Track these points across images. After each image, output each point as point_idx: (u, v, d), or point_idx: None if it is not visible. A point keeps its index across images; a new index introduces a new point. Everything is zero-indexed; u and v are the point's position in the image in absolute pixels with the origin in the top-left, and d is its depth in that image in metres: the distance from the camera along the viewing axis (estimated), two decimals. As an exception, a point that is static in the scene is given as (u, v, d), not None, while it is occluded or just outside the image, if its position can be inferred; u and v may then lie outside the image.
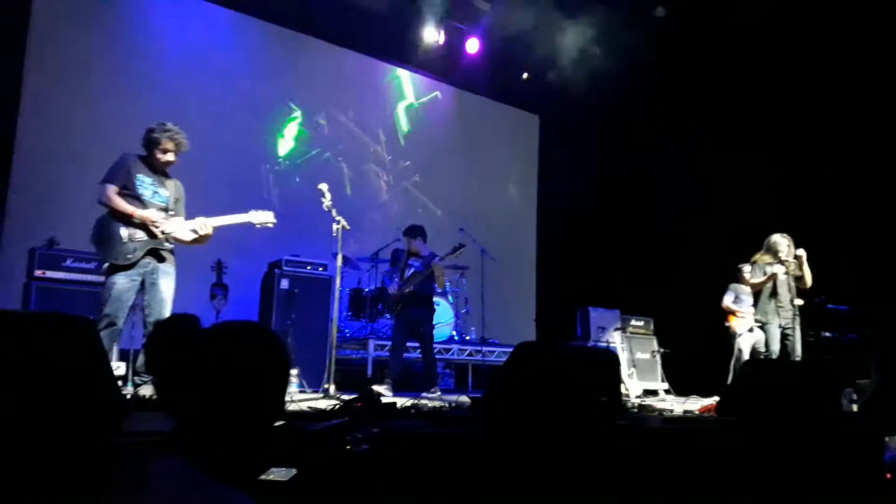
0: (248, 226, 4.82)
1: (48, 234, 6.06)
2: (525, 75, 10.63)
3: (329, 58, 9.47)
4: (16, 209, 6.73)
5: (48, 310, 5.40)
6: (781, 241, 6.64)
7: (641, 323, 9.06)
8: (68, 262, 5.88)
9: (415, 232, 6.89)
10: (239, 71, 8.60)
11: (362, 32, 9.40)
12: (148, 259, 4.45)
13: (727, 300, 7.59)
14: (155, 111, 7.11)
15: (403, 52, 9.89)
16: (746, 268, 7.17)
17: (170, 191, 4.65)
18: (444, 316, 8.14)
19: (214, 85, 8.31)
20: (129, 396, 4.07)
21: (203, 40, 8.38)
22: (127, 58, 7.71)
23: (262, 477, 1.67)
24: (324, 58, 9.41)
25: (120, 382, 4.81)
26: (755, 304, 6.84)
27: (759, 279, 6.68)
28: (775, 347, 6.51)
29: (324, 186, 5.80)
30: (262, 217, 4.83)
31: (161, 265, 4.50)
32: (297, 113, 9.15)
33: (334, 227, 5.90)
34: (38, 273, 5.78)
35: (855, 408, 5.02)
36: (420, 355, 6.69)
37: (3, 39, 6.79)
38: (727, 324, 7.53)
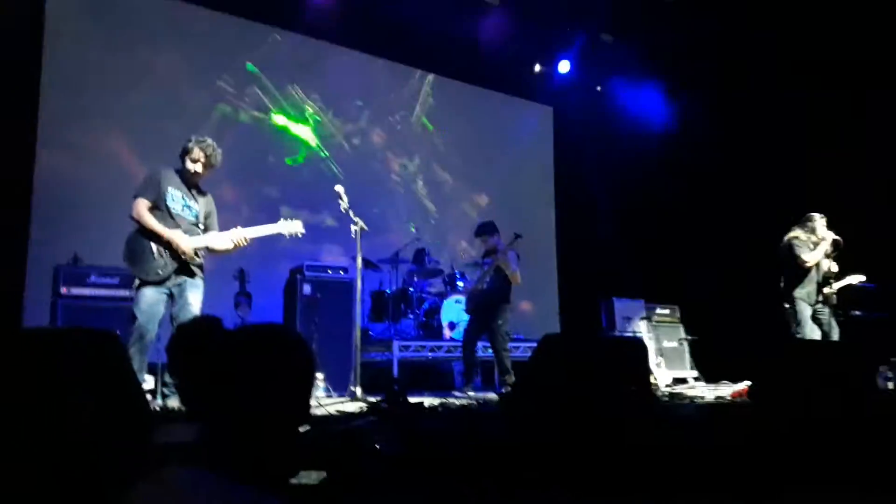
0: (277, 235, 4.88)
1: (71, 252, 6.13)
2: (537, 67, 10.58)
3: (341, 60, 9.45)
4: (39, 228, 6.79)
5: (74, 326, 5.47)
6: (820, 220, 6.49)
7: (667, 311, 8.95)
8: (92, 278, 5.94)
9: (483, 230, 6.85)
10: (255, 76, 8.65)
11: (377, 35, 9.37)
12: (178, 273, 4.51)
13: None
14: (174, 127, 7.22)
15: (417, 52, 9.88)
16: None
17: (201, 205, 4.71)
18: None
19: (233, 94, 8.38)
20: (157, 409, 4.09)
21: (225, 54, 8.47)
22: (146, 76, 7.75)
23: (293, 481, 1.66)
24: (336, 59, 9.41)
25: (149, 396, 4.85)
26: (786, 284, 6.58)
27: (811, 253, 6.37)
28: (807, 329, 6.37)
29: (340, 188, 5.79)
30: (291, 227, 4.90)
31: (190, 279, 4.57)
32: (313, 114, 9.14)
33: (353, 229, 5.89)
34: (63, 290, 5.84)
35: (891, 386, 4.93)
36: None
37: (20, 57, 6.85)
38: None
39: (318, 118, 9.18)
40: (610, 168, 10.71)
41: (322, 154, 9.12)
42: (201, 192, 4.78)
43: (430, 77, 10.28)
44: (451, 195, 10.35)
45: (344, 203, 5.79)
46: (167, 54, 7.96)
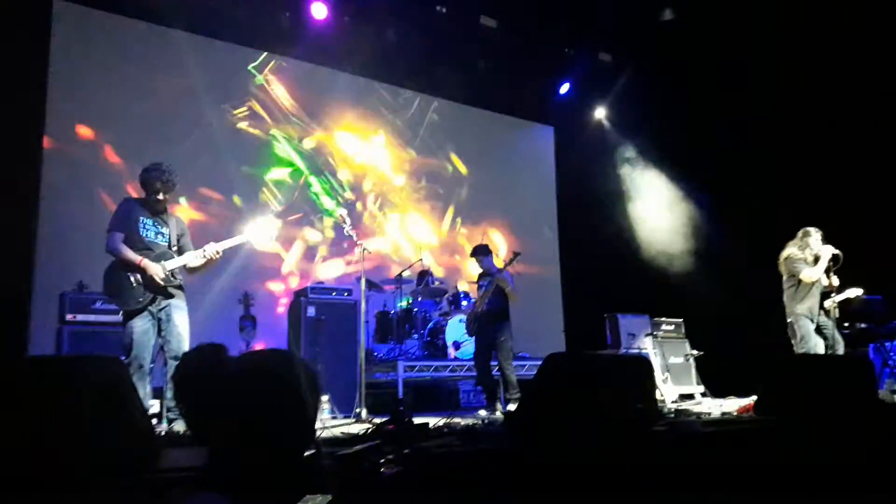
0: (266, 249, 4.92)
1: (77, 279, 6.17)
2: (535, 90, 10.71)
3: (344, 84, 9.55)
4: (44, 255, 6.84)
5: (80, 352, 5.51)
6: (816, 234, 6.50)
7: (672, 326, 8.91)
8: (97, 305, 5.98)
9: (477, 252, 6.93)
10: (253, 101, 8.75)
11: (369, 57, 9.47)
12: (158, 298, 4.64)
13: None
14: (181, 151, 7.31)
15: (419, 76, 9.98)
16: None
17: (171, 228, 4.87)
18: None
19: (238, 117, 8.52)
20: (163, 433, 4.11)
21: (231, 79, 8.64)
22: (153, 101, 7.85)
23: (297, 505, 1.66)
24: (340, 84, 9.51)
25: (154, 420, 4.87)
26: (787, 300, 6.60)
27: (813, 269, 6.35)
28: (811, 343, 6.36)
29: (343, 212, 5.85)
30: (260, 229, 5.02)
31: (172, 301, 4.70)
32: (317, 137, 9.22)
33: (356, 251, 5.92)
34: (69, 317, 5.88)
35: (897, 398, 4.91)
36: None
37: (25, 84, 6.94)
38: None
39: (322, 141, 9.26)
40: (611, 185, 10.73)
41: (325, 177, 9.18)
42: (169, 216, 4.91)
43: (434, 101, 10.37)
44: (454, 215, 10.39)
45: (347, 227, 5.85)
46: (177, 80, 8.08)
